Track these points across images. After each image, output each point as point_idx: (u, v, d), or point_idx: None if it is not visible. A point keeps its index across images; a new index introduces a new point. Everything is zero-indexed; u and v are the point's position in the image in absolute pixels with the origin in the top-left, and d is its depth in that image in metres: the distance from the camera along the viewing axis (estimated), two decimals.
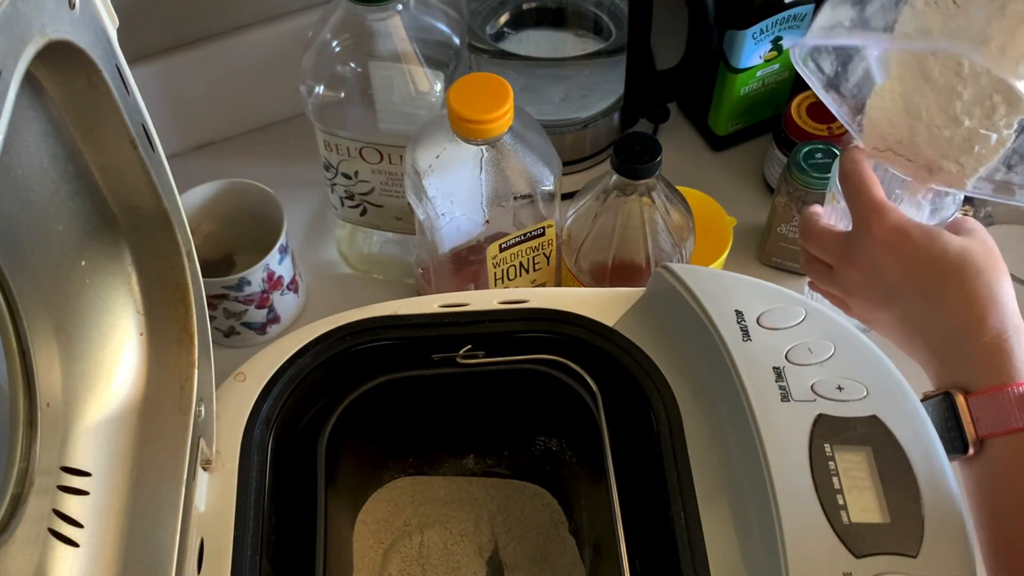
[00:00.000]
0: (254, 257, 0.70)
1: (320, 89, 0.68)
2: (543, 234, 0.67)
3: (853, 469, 0.46)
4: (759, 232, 0.81)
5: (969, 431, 0.50)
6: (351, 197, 0.74)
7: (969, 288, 0.52)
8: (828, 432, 0.47)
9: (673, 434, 0.52)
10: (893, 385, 0.50)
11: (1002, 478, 0.49)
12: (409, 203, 0.66)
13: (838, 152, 0.73)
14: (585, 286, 0.69)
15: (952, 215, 0.59)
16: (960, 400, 0.50)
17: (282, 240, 0.71)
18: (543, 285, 0.71)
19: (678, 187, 0.68)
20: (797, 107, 0.80)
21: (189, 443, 0.47)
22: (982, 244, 0.54)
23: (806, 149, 0.74)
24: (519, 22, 0.84)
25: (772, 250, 0.79)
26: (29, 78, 0.38)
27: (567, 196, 0.73)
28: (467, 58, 0.75)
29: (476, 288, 0.69)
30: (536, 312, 0.58)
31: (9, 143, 0.39)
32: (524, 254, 0.68)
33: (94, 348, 0.46)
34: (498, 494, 0.67)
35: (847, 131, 0.77)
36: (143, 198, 0.45)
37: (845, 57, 0.58)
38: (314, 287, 0.80)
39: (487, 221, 0.65)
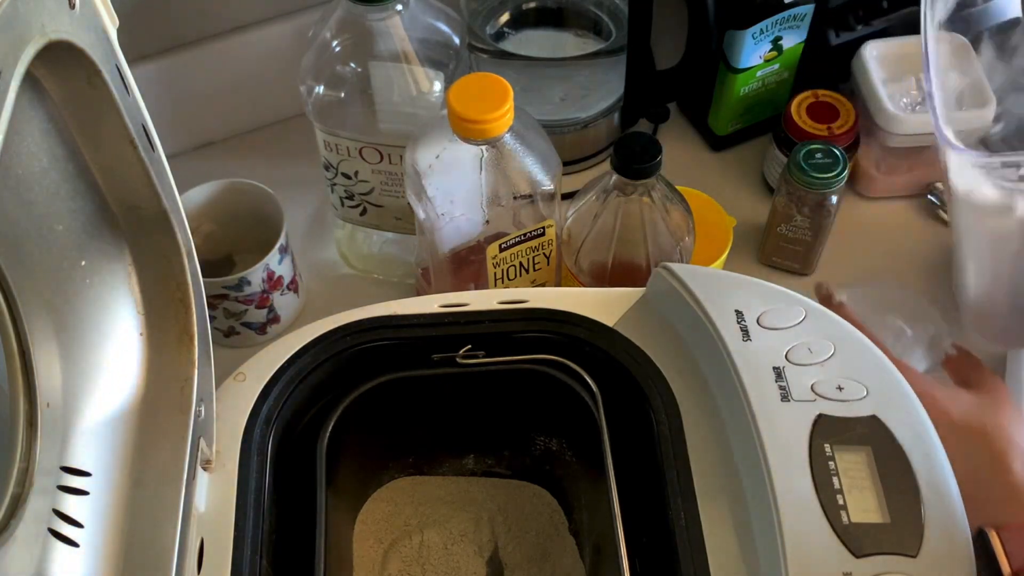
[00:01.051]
0: (254, 257, 0.70)
1: (320, 89, 0.68)
2: (543, 234, 0.67)
3: (853, 469, 0.46)
4: (759, 232, 0.81)
5: (1004, 566, 0.50)
6: (351, 197, 0.74)
7: (995, 447, 0.54)
8: (828, 432, 0.47)
9: (673, 434, 0.52)
10: (893, 385, 0.50)
11: None
12: (409, 203, 0.66)
13: (838, 152, 0.73)
14: (585, 286, 0.69)
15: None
16: (993, 536, 0.51)
17: (282, 240, 0.71)
18: (543, 285, 0.71)
19: (678, 187, 0.68)
20: (797, 107, 0.80)
21: (189, 443, 0.47)
22: (991, 396, 0.57)
23: (806, 149, 0.74)
24: (519, 22, 0.84)
25: (772, 250, 0.79)
26: (29, 78, 0.38)
27: (567, 196, 0.73)
28: (467, 58, 0.75)
29: (476, 288, 0.69)
30: (536, 312, 0.58)
31: (9, 143, 0.39)
32: (524, 254, 0.68)
33: (94, 348, 0.46)
34: (498, 494, 0.67)
35: (845, 136, 0.78)
36: (143, 198, 0.45)
37: None
38: (314, 287, 0.80)
39: (487, 221, 0.65)
